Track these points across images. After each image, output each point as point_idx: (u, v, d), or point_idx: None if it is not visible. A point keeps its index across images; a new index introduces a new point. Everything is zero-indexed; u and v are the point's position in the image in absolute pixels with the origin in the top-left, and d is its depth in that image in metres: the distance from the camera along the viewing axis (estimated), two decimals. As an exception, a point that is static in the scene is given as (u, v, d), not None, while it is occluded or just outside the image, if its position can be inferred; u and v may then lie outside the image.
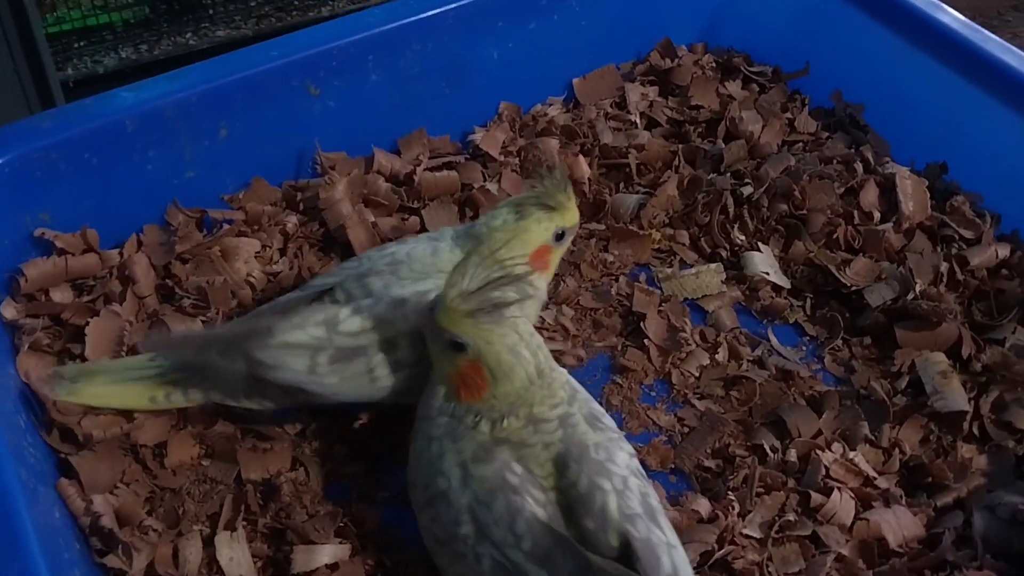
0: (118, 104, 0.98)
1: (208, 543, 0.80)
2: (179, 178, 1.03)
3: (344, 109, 1.09)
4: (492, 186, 1.09)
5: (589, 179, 1.12)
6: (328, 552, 0.79)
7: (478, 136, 1.15)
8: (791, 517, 0.81)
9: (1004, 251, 1.02)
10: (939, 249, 1.04)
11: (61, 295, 0.96)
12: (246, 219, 1.04)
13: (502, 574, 0.69)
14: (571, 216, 0.86)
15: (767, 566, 0.78)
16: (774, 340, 1.00)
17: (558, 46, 1.20)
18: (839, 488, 0.83)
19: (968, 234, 1.04)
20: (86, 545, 0.78)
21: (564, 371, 0.79)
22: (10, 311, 0.92)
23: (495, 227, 0.84)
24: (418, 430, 0.77)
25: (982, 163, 1.09)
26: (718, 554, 0.79)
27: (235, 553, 0.81)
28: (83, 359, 0.90)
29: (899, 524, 0.80)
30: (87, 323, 0.91)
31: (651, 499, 0.73)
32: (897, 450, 0.88)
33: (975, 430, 0.90)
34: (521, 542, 0.68)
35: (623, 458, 0.74)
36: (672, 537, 0.71)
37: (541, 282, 0.86)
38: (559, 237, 0.86)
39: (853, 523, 0.81)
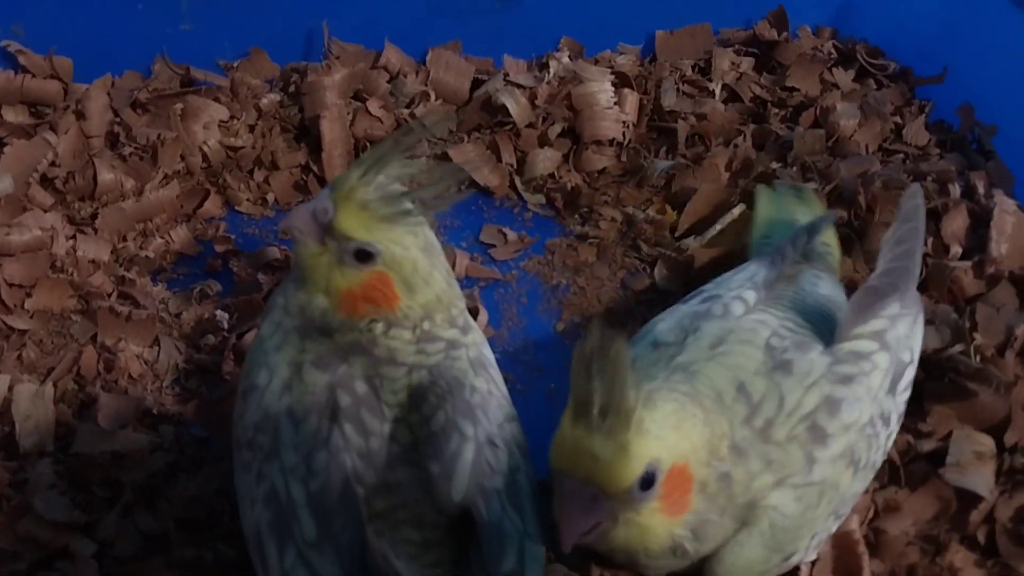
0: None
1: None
2: (173, 28, 0.95)
3: (370, -3, 0.97)
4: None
5: (628, 138, 0.95)
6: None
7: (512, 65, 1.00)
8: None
9: (1119, 335, 0.76)
10: (1029, 312, 0.79)
11: (14, 115, 0.91)
12: (231, 87, 0.95)
13: (273, 508, 0.55)
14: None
15: None
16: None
17: (644, -13, 1.04)
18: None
19: (1075, 303, 0.79)
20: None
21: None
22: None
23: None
24: (267, 315, 0.63)
25: None
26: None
27: (35, 410, 0.71)
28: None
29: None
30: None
31: (520, 475, 0.59)
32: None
33: (980, 535, 0.66)
34: (310, 479, 0.55)
35: (500, 416, 0.60)
36: (532, 526, 0.57)
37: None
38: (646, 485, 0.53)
39: None
